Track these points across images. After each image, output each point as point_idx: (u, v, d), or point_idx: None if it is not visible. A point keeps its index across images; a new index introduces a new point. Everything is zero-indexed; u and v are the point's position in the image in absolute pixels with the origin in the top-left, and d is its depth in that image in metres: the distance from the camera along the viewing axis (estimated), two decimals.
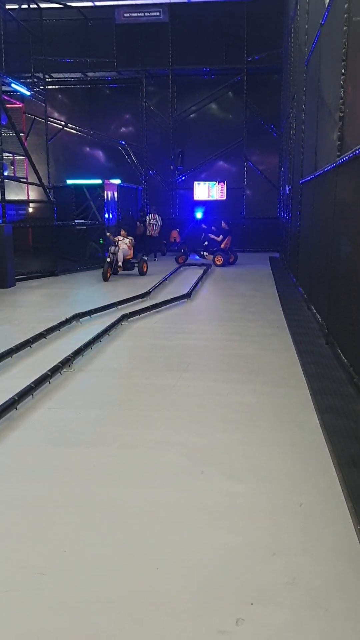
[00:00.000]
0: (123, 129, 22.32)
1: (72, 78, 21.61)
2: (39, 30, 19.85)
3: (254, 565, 2.77)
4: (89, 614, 2.46)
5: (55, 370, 5.66)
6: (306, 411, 4.82)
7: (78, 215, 16.93)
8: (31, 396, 5.05)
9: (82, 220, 16.63)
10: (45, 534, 3.06)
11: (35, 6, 19.76)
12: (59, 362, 5.84)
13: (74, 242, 15.75)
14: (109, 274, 13.01)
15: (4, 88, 16.91)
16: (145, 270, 14.02)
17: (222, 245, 16.68)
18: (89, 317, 8.61)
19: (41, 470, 3.79)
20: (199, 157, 21.39)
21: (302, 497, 3.40)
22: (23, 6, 19.46)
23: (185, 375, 5.85)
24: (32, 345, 6.85)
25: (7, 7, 18.69)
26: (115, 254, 13.32)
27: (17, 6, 19.33)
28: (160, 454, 4.01)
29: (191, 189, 21.33)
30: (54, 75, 21.03)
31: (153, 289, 10.99)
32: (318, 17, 8.13)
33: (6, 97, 17.58)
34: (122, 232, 13.89)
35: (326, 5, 7.25)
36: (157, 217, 18.89)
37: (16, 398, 4.75)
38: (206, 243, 16.81)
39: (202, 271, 14.24)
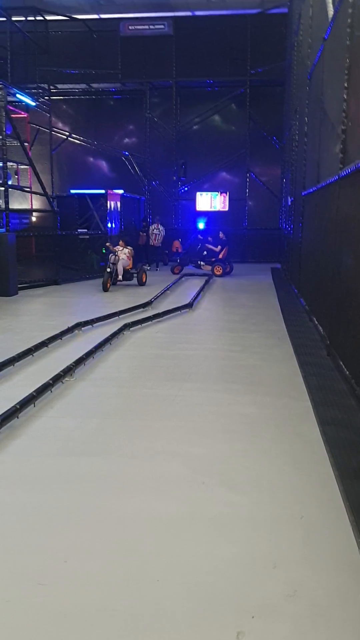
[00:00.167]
0: (126, 140, 22.47)
1: (76, 89, 21.79)
2: (45, 41, 20.10)
3: (255, 577, 2.76)
4: (90, 625, 2.45)
5: (57, 379, 5.66)
6: (307, 423, 4.81)
7: (81, 225, 17.00)
8: (33, 405, 5.06)
9: (85, 230, 16.69)
10: (46, 543, 3.05)
11: (41, 18, 20.00)
12: (61, 371, 5.84)
13: (76, 251, 15.81)
14: (108, 285, 12.94)
15: (10, 98, 17.07)
16: (144, 280, 13.97)
17: (220, 256, 16.68)
18: (90, 326, 8.62)
19: (42, 480, 3.79)
20: (201, 168, 21.51)
21: (303, 509, 3.39)
22: (29, 18, 19.70)
23: (186, 386, 5.85)
24: (34, 354, 6.86)
25: (14, 18, 18.93)
26: (115, 264, 13.25)
27: (23, 18, 19.56)
28: (161, 464, 4.00)
29: (193, 199, 21.43)
30: (59, 86, 21.23)
31: (155, 299, 11.01)
32: (321, 32, 8.21)
33: (11, 107, 17.73)
34: (121, 243, 13.80)
35: (329, 20, 7.33)
36: (161, 227, 18.98)
37: (18, 407, 4.75)
38: (205, 253, 16.82)
39: (203, 281, 14.27)
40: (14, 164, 18.72)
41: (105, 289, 12.84)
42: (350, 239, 5.70)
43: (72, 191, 19.97)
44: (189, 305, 10.46)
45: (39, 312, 10.65)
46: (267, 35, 19.81)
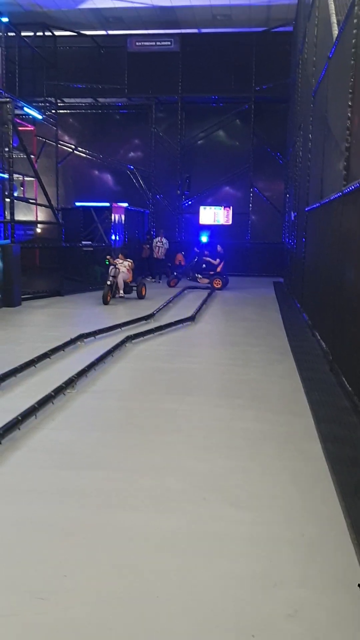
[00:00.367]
0: (132, 154, 22.63)
1: (83, 103, 22.01)
2: (53, 56, 20.35)
3: (255, 595, 2.74)
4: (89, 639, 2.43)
5: (59, 391, 5.66)
6: (309, 439, 4.80)
7: (85, 237, 17.07)
8: (34, 417, 5.05)
9: (89, 242, 16.76)
10: (46, 557, 3.03)
11: (50, 34, 20.26)
12: (63, 383, 5.84)
13: (80, 263, 15.85)
14: (109, 298, 12.81)
15: (17, 111, 17.25)
16: (144, 294, 13.87)
17: (218, 269, 16.67)
18: (93, 337, 8.63)
19: (42, 492, 3.77)
20: (205, 182, 21.65)
21: (305, 526, 3.37)
22: (38, 33, 19.95)
23: (188, 400, 5.84)
24: (36, 365, 6.87)
25: (23, 34, 19.18)
26: (115, 277, 13.15)
27: (32, 33, 19.81)
28: (162, 479, 3.99)
29: (197, 213, 21.54)
30: (66, 100, 21.46)
31: (157, 311, 11.02)
32: (326, 50, 8.30)
33: (18, 120, 17.90)
34: (120, 256, 13.70)
35: (334, 40, 7.41)
36: (164, 240, 19.08)
37: (19, 418, 4.75)
38: (204, 266, 16.81)
39: (206, 294, 14.29)
40: (20, 176, 18.85)
41: (106, 302, 12.73)
42: (352, 255, 5.72)
43: (77, 204, 20.10)
44: (191, 318, 10.47)
45: (42, 323, 10.67)
46: (272, 53, 20.05)
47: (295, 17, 17.06)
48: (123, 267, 13.37)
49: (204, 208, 21.49)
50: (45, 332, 9.56)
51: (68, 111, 22.39)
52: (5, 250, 12.08)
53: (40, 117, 19.46)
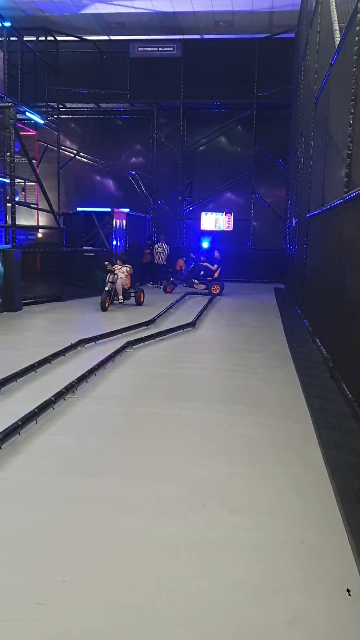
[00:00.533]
0: (133, 159, 22.70)
1: (85, 108, 22.08)
2: (55, 61, 20.47)
3: (255, 602, 2.73)
4: None
5: (59, 396, 5.66)
6: (309, 445, 4.79)
7: (86, 242, 17.09)
8: (34, 422, 5.05)
9: (90, 247, 16.78)
10: (45, 563, 3.03)
11: (52, 38, 20.37)
12: (63, 388, 5.85)
13: (81, 268, 15.86)
14: (107, 304, 12.68)
15: (19, 116, 17.33)
16: (142, 300, 13.74)
17: (216, 275, 16.65)
18: (94, 343, 8.63)
19: (42, 498, 3.77)
20: (207, 188, 21.69)
21: (304, 532, 3.37)
22: (41, 38, 20.05)
23: (188, 405, 5.84)
24: (37, 370, 6.87)
25: (25, 38, 19.29)
26: (113, 283, 13.02)
27: (34, 38, 19.92)
28: (162, 485, 3.98)
29: (198, 219, 21.58)
30: (68, 105, 21.52)
31: (158, 317, 11.03)
32: (328, 57, 8.33)
33: (20, 125, 17.96)
34: (118, 262, 13.60)
35: (336, 47, 7.44)
36: (165, 246, 19.10)
37: (20, 423, 4.75)
38: (202, 272, 16.79)
39: (206, 300, 14.29)
40: (22, 181, 18.91)
41: (104, 309, 12.58)
42: (353, 262, 5.73)
43: (79, 209, 20.15)
44: (192, 324, 10.48)
45: (43, 328, 10.68)
46: (274, 59, 20.11)
47: (298, 24, 17.13)
48: (121, 272, 13.26)
49: (205, 214, 21.52)
50: (46, 337, 9.57)
51: (70, 116, 22.46)
52: (6, 255, 12.10)
53: (42, 121, 19.53)
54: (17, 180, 14.81)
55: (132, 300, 13.59)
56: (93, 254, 16.26)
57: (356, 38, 5.94)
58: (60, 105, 21.33)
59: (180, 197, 21.44)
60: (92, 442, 4.77)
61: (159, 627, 2.55)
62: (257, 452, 4.64)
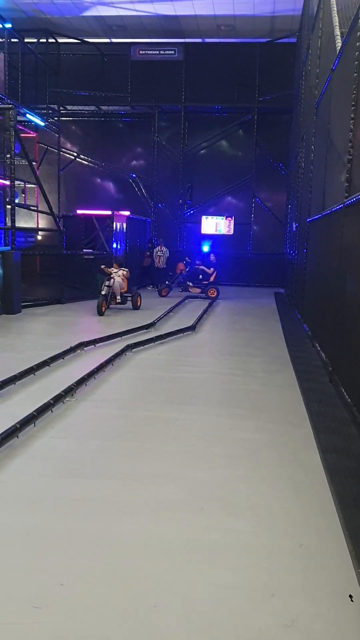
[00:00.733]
0: (134, 162, 22.71)
1: (86, 111, 22.10)
2: (56, 63, 20.51)
3: (253, 605, 2.73)
4: None
5: (58, 399, 5.66)
6: (308, 450, 4.79)
7: (86, 245, 17.10)
8: (33, 424, 5.05)
9: (90, 250, 16.79)
10: (43, 565, 3.03)
11: (53, 41, 20.41)
12: (62, 391, 5.84)
13: (81, 271, 15.86)
14: (104, 308, 12.53)
15: (20, 118, 17.34)
16: (139, 304, 13.59)
17: (211, 279, 16.64)
18: (93, 346, 8.63)
19: (40, 501, 3.77)
20: (207, 192, 21.71)
21: (303, 537, 3.37)
22: (42, 40, 20.10)
23: (187, 409, 5.84)
24: (36, 373, 6.87)
25: (26, 40, 19.32)
26: (110, 286, 12.86)
27: (35, 40, 19.96)
28: (161, 488, 3.98)
29: (199, 222, 21.60)
30: (69, 107, 21.55)
31: (158, 320, 11.03)
32: (329, 62, 8.36)
33: (21, 127, 17.97)
34: (115, 265, 13.47)
35: (337, 52, 7.47)
36: (164, 249, 19.11)
37: (18, 426, 4.75)
38: (200, 276, 16.78)
39: (206, 304, 14.30)
40: (22, 183, 18.92)
41: (101, 313, 12.40)
42: (353, 267, 5.74)
43: (79, 211, 20.14)
44: (192, 328, 10.48)
45: (42, 330, 10.68)
46: (275, 64, 20.15)
47: (299, 29, 17.18)
48: (118, 276, 13.15)
49: (206, 218, 21.54)
50: (45, 339, 9.56)
51: (70, 118, 22.49)
52: (6, 257, 12.10)
53: (42, 124, 19.55)
54: (17, 183, 14.85)
55: (129, 304, 13.46)
56: (93, 257, 16.26)
57: (357, 44, 5.96)
58: (61, 108, 21.37)
59: (180, 201, 21.46)
60: (91, 445, 4.76)
61: (156, 630, 2.55)
62: (256, 456, 4.64)
